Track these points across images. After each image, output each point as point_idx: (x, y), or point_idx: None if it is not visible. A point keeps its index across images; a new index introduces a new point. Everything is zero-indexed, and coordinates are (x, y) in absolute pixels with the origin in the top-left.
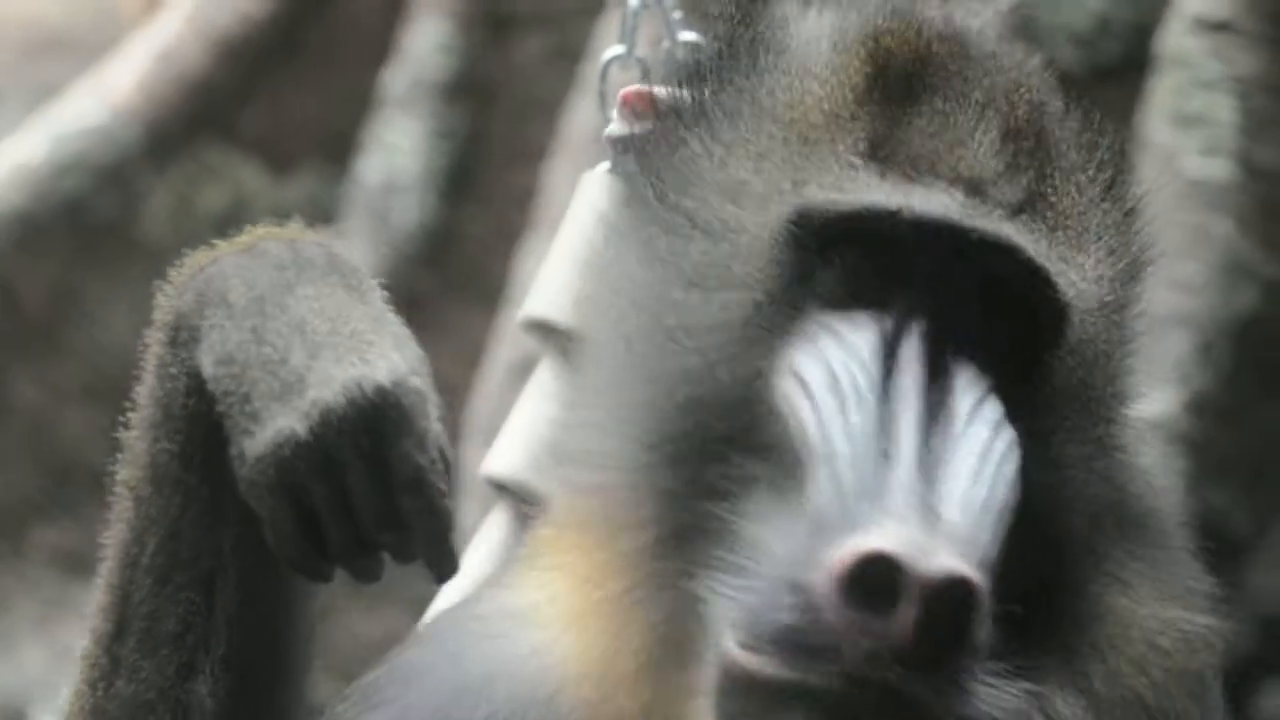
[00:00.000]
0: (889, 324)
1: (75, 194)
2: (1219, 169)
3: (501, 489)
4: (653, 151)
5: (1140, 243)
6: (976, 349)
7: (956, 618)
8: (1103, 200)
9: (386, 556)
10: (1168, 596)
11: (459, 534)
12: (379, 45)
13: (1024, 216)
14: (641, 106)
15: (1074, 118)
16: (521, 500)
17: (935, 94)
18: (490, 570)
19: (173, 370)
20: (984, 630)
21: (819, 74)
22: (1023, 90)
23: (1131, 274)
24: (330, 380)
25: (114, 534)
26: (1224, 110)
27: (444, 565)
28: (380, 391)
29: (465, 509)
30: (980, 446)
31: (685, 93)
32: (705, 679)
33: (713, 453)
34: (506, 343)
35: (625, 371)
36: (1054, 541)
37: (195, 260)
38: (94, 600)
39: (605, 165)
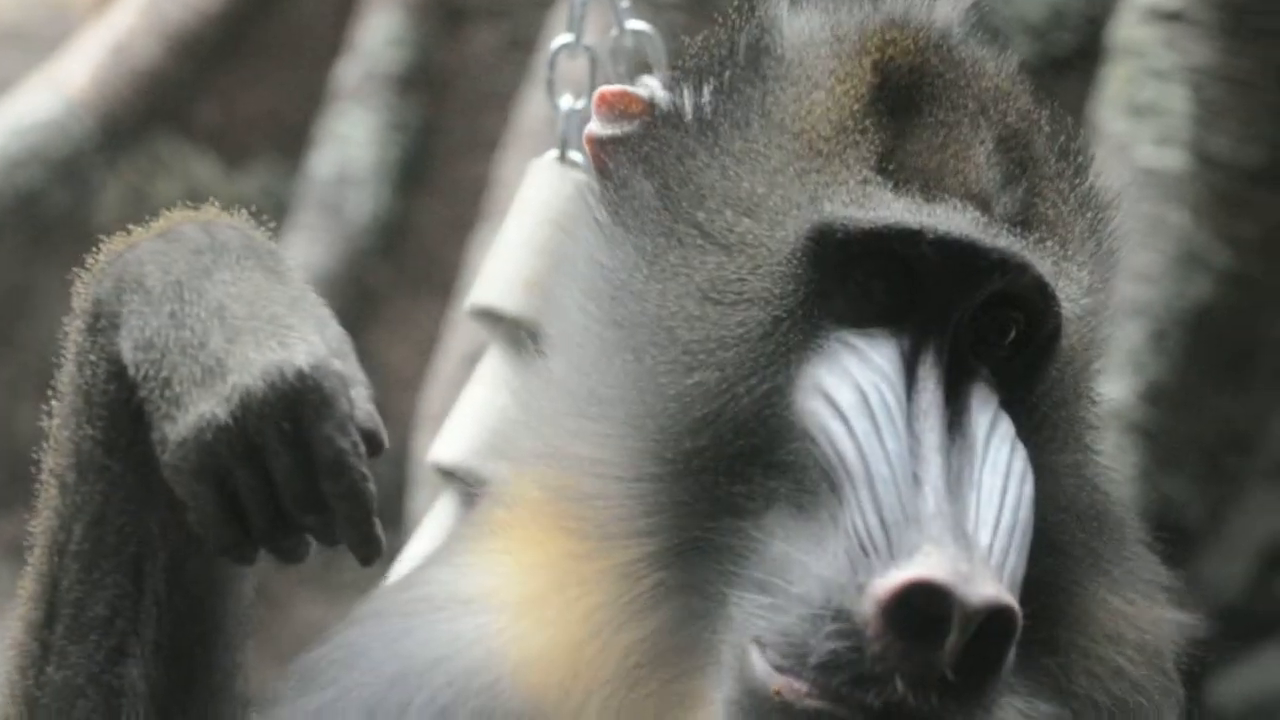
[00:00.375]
0: (906, 342)
1: (29, 187)
2: (1173, 159)
3: (449, 475)
4: (652, 157)
5: (1112, 246)
6: (984, 364)
7: (997, 645)
8: (1081, 206)
9: (311, 539)
10: (1140, 593)
11: (409, 520)
12: (331, 38)
13: (1023, 229)
14: (623, 106)
15: (1048, 120)
16: (469, 486)
17: (934, 104)
18: (431, 551)
19: (92, 357)
20: (1013, 654)
21: (823, 83)
22: (1010, 96)
23: (1107, 278)
24: (250, 364)
25: (41, 521)
26: (1177, 100)
27: (367, 548)
28: (300, 375)
29: (418, 497)
30: (1003, 467)
31: (685, 98)
32: (720, 692)
33: (727, 468)
34: (459, 332)
35: (632, 381)
36: (1049, 547)
37: (112, 246)
38: (23, 588)
39: (553, 153)
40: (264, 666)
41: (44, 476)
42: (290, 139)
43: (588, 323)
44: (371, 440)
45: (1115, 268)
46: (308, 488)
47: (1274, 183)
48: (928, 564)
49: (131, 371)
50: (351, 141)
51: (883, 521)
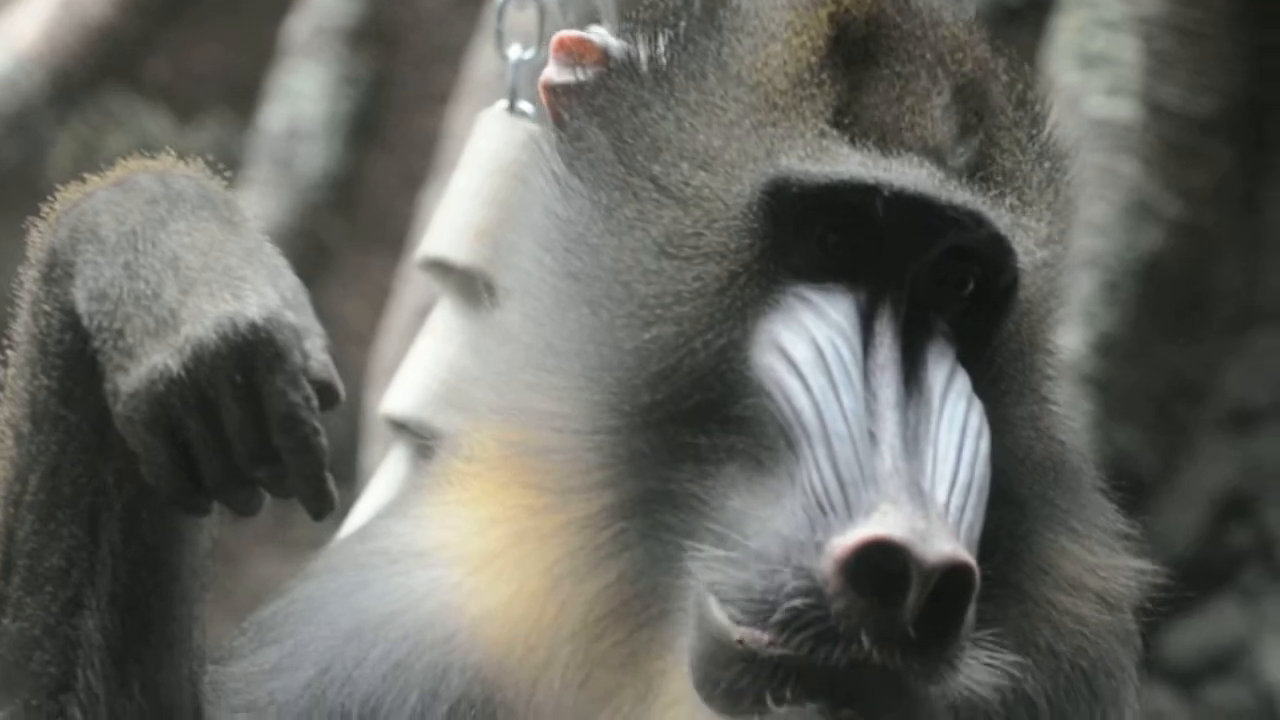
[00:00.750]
0: (863, 296)
1: None
2: (1124, 109)
3: (401, 428)
4: (606, 108)
5: (1069, 196)
6: (941, 318)
7: (955, 602)
8: (1038, 157)
9: (264, 491)
10: (1099, 542)
11: (362, 474)
12: None
13: (979, 181)
14: (580, 52)
15: (1005, 70)
16: (420, 438)
17: (891, 56)
18: (386, 504)
19: (47, 307)
20: (973, 610)
21: (779, 35)
22: (966, 46)
23: (1064, 229)
24: (203, 316)
25: None
26: (1128, 51)
27: (319, 502)
28: (252, 328)
29: (371, 450)
30: (960, 423)
31: (640, 49)
32: (682, 642)
33: (684, 422)
34: (411, 286)
35: (589, 335)
36: (1007, 499)
37: (68, 195)
38: None
39: (503, 104)
40: (219, 623)
41: None
42: (241, 93)
43: (543, 275)
44: (326, 392)
45: (1072, 218)
46: (259, 440)
47: (1224, 133)
48: (884, 522)
49: (86, 322)
50: (302, 96)
51: (839, 479)
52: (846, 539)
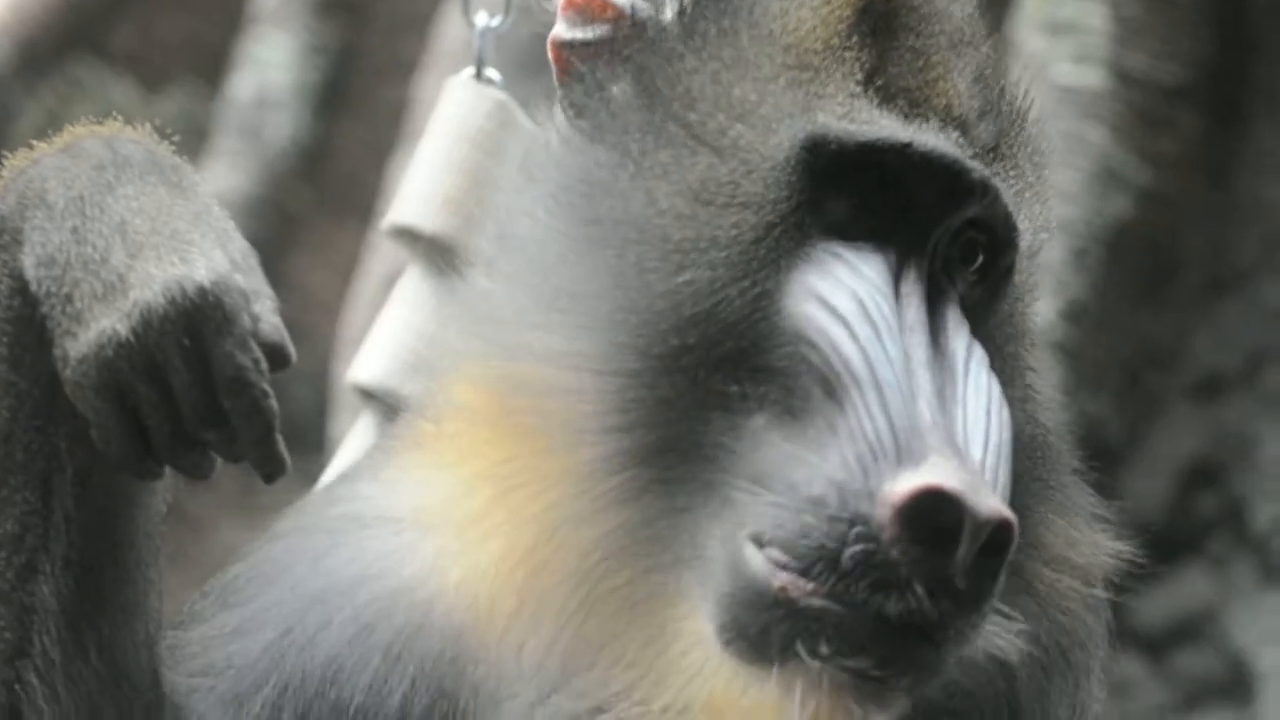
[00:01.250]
0: (892, 257)
1: None
2: (1091, 76)
3: (368, 396)
4: (635, 60)
5: (1046, 193)
6: (954, 290)
7: (995, 559)
8: (1028, 144)
9: (216, 455)
10: (1081, 519)
11: (331, 442)
12: None
13: (993, 161)
14: (592, 10)
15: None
16: (388, 406)
17: (912, 31)
18: (351, 466)
19: None
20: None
21: (808, 1)
22: (975, 37)
23: (1047, 215)
24: (151, 280)
25: None
26: (1095, 18)
27: (269, 465)
28: (201, 291)
29: (339, 419)
30: (985, 389)
31: (668, 3)
32: (708, 587)
33: (714, 369)
34: (379, 255)
35: (614, 277)
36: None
37: (15, 161)
38: None
39: (469, 72)
40: (184, 590)
41: None
42: (209, 63)
43: (553, 222)
44: (276, 354)
45: (1048, 214)
46: (208, 404)
47: (1193, 100)
48: (938, 472)
49: (34, 288)
50: (270, 65)
51: (891, 427)
52: (904, 485)
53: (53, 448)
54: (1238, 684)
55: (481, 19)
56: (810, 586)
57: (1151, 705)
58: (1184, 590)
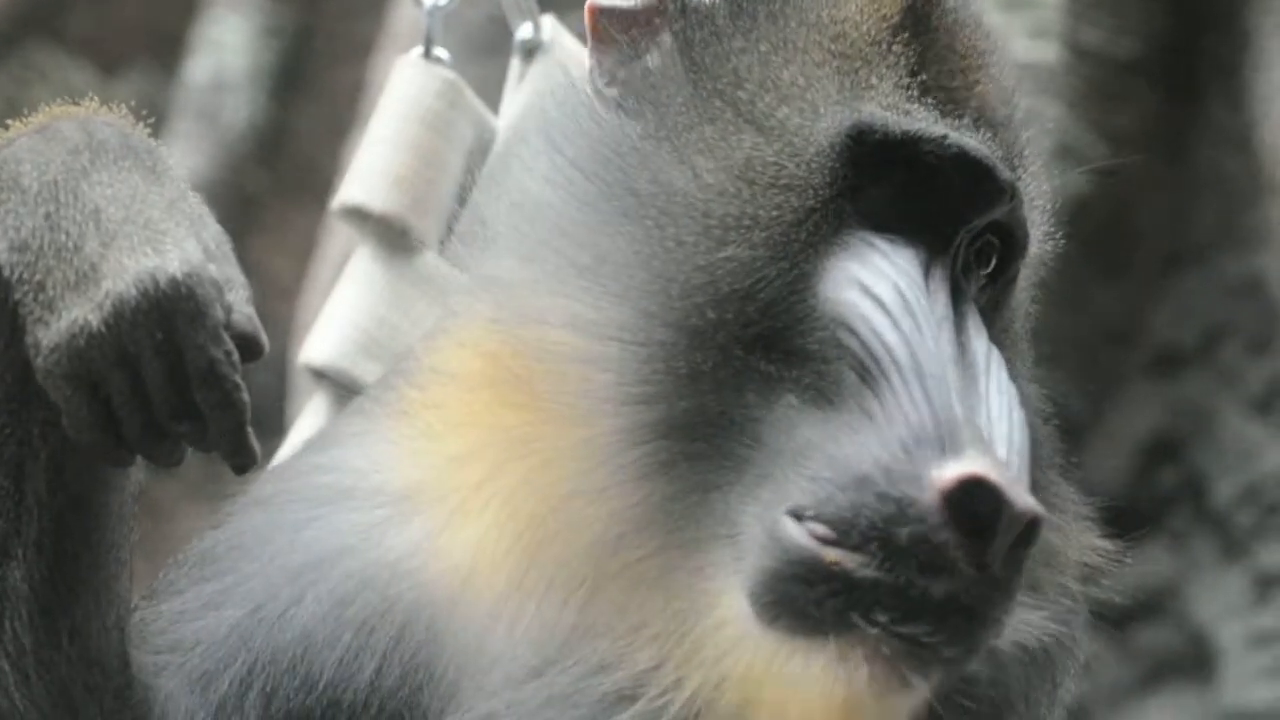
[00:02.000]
0: (922, 253)
1: None
2: (1047, 51)
3: (320, 376)
4: (681, 34)
5: (1047, 193)
6: (970, 291)
7: (1023, 551)
8: (1035, 154)
9: (186, 445)
10: (1075, 521)
11: (289, 426)
12: None
13: (1014, 168)
14: None
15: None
16: (340, 386)
17: (950, 35)
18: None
19: None
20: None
21: None
22: (999, 53)
23: (1048, 225)
24: (124, 271)
25: None
26: None
27: (241, 457)
28: (173, 283)
29: (298, 404)
30: (1007, 389)
31: None
32: (748, 561)
33: (747, 347)
34: (337, 238)
35: (650, 247)
36: None
37: None
38: None
39: (419, 51)
40: (147, 578)
41: None
42: (166, 46)
43: (580, 190)
44: (249, 345)
45: (1049, 224)
46: (180, 396)
47: (1148, 74)
48: (980, 463)
49: (6, 273)
50: (227, 47)
51: (935, 415)
52: (951, 471)
53: (25, 433)
54: (1199, 660)
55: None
56: (863, 559)
57: (1113, 681)
58: (1144, 565)
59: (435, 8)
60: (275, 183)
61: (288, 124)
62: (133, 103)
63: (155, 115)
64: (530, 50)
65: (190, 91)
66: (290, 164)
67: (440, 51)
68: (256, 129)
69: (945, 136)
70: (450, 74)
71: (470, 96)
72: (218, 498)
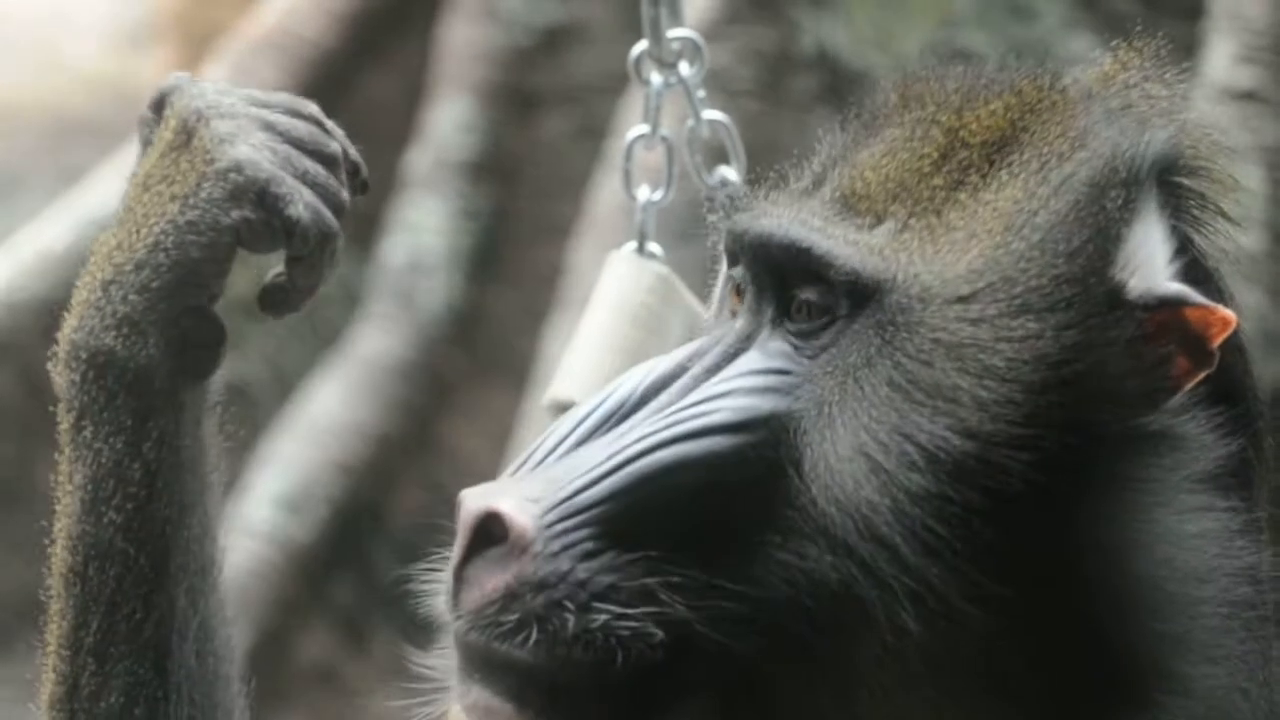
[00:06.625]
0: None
1: None
2: (1250, 239)
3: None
4: None
5: None
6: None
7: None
8: None
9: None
10: None
11: None
12: (402, 125)
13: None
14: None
15: None
16: None
17: None
18: None
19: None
20: None
21: None
22: None
23: None
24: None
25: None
26: (1253, 180)
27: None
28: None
29: None
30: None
31: None
32: None
33: None
34: (533, 423)
35: None
36: None
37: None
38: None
39: (631, 246)
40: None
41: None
42: (362, 227)
43: None
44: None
45: None
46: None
47: None
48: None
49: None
50: (423, 229)
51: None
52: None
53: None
54: None
55: (643, 193)
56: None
57: None
58: None
59: (649, 203)
60: (470, 364)
61: (483, 306)
62: (329, 289)
63: (351, 297)
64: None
65: (386, 273)
66: (485, 346)
67: (653, 246)
68: (452, 311)
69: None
70: (663, 269)
71: (682, 290)
72: (408, 676)
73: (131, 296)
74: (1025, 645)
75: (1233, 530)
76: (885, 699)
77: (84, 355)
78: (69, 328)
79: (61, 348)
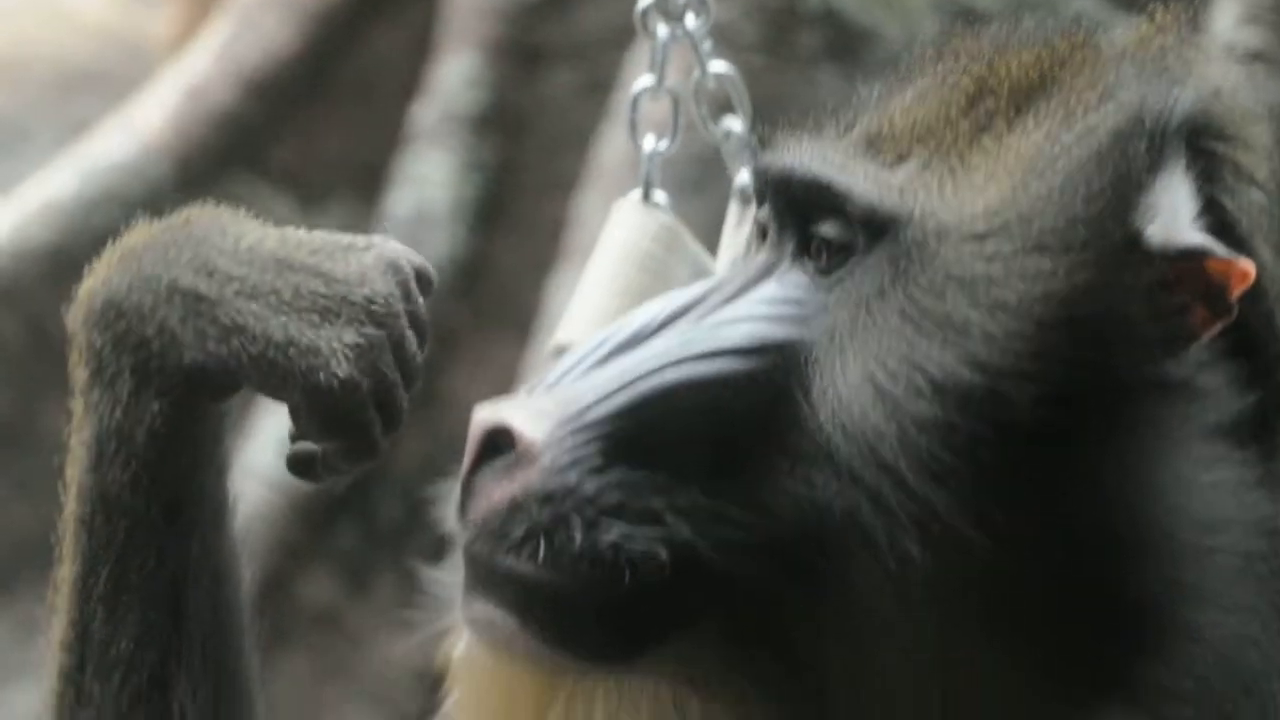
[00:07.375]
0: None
1: (105, 229)
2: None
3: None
4: None
5: None
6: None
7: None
8: None
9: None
10: None
11: None
12: (408, 79)
13: None
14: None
15: None
16: None
17: None
18: None
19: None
20: None
21: None
22: None
23: None
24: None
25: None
26: None
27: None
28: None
29: None
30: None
31: None
32: None
33: None
34: (538, 373)
35: None
36: None
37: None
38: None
39: (637, 194)
40: (343, 705)
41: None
42: (367, 180)
43: None
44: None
45: None
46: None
47: None
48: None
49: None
50: (429, 182)
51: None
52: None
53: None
54: None
55: (649, 142)
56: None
57: None
58: None
59: (654, 152)
60: (475, 316)
61: (488, 258)
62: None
63: None
64: (749, 196)
65: (392, 225)
66: (490, 298)
67: (659, 195)
68: (457, 262)
69: None
70: (668, 218)
71: (688, 240)
72: (412, 623)
73: (209, 329)
74: (1033, 582)
75: (1249, 482)
76: (889, 630)
77: (120, 328)
78: (115, 289)
79: (92, 304)
